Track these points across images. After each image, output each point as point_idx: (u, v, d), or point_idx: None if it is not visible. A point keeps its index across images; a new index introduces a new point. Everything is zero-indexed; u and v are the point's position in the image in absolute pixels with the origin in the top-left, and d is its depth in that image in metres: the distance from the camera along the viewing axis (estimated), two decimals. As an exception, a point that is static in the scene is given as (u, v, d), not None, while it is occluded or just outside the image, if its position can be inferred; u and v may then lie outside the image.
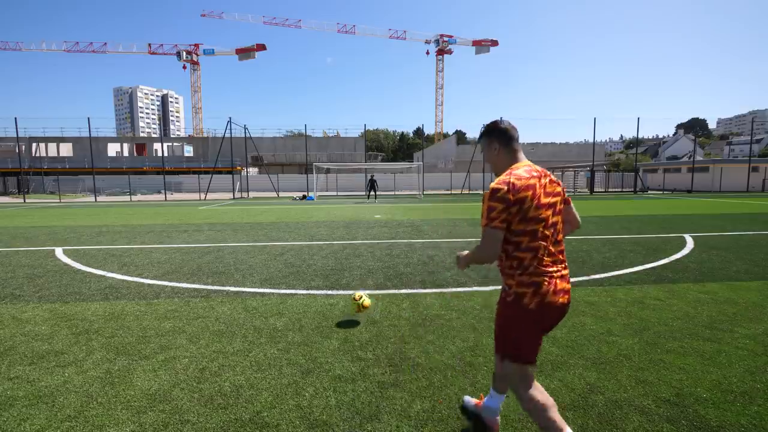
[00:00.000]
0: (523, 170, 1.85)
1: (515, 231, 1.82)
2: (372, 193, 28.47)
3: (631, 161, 50.69)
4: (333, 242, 8.79)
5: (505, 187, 1.77)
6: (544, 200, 1.83)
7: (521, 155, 1.95)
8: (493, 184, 1.81)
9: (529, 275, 1.83)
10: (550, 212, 1.86)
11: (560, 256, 1.91)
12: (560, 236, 1.93)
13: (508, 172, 1.86)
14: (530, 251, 1.83)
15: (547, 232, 1.84)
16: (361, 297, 3.90)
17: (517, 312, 1.86)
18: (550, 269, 1.84)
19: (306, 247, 8.12)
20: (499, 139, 1.95)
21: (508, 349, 1.96)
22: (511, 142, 1.94)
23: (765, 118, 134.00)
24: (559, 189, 1.94)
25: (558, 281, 1.85)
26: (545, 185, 1.87)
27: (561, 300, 1.85)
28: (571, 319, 3.92)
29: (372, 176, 29.87)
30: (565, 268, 1.92)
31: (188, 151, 56.04)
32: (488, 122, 1.97)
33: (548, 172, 1.95)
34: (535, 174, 1.86)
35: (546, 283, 1.82)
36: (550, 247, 1.86)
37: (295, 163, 50.93)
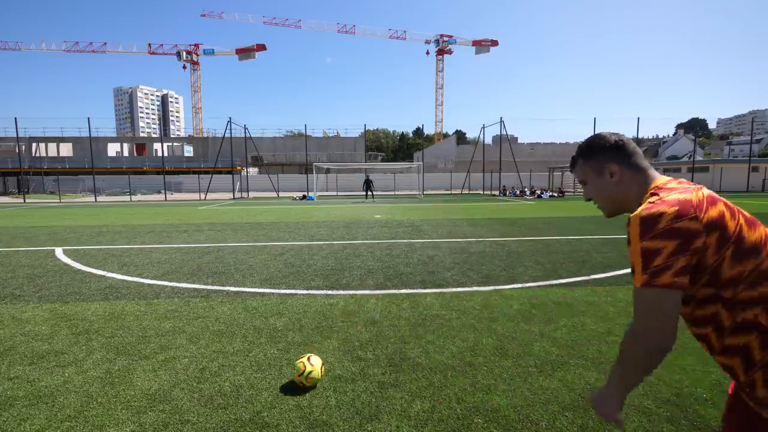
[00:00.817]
0: (666, 193, 1.10)
1: (727, 279, 1.03)
2: (368, 192, 28.62)
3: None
4: (333, 242, 8.80)
5: (673, 213, 1.01)
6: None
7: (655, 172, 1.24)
8: (642, 212, 1.05)
9: None
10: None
11: None
12: None
13: (653, 199, 1.10)
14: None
15: None
16: (308, 371, 2.69)
17: None
18: None
19: (306, 247, 8.12)
20: (615, 158, 1.23)
21: None
22: (634, 157, 1.23)
23: (765, 118, 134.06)
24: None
25: None
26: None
27: None
28: (571, 319, 3.92)
29: (368, 176, 29.95)
30: None
31: (188, 151, 56.05)
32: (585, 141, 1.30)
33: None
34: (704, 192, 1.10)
35: None
36: None
37: (295, 163, 50.94)
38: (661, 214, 1.01)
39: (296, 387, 2.73)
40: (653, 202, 1.07)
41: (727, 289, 1.04)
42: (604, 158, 1.24)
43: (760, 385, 1.03)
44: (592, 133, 1.26)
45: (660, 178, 1.20)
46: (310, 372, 2.70)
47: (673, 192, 1.08)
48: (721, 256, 1.01)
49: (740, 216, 1.06)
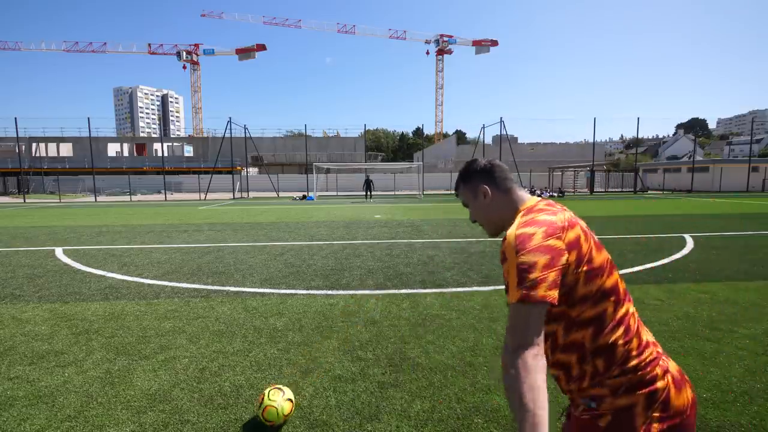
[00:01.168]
0: (537, 213, 1.19)
1: (579, 297, 1.11)
2: (368, 192, 28.79)
3: (631, 161, 50.73)
4: (333, 242, 8.79)
5: (542, 232, 1.09)
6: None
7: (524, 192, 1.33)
8: (517, 230, 1.12)
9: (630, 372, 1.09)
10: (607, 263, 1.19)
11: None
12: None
13: (524, 219, 1.18)
14: (618, 328, 1.12)
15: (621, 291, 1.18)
16: (264, 405, 2.25)
17: None
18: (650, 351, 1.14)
19: (306, 247, 8.12)
20: (485, 180, 1.33)
21: None
22: (505, 181, 1.32)
23: (765, 118, 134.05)
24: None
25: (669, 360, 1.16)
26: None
27: (688, 396, 1.12)
28: (571, 319, 3.92)
29: (368, 176, 30.07)
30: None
31: (188, 151, 56.04)
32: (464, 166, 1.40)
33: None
34: (567, 214, 1.21)
35: (659, 374, 1.10)
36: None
37: (295, 163, 50.93)
38: (533, 233, 1.09)
39: (296, 387, 2.73)
40: (525, 222, 1.15)
41: (576, 307, 1.12)
42: (477, 181, 1.34)
43: (576, 393, 1.18)
44: (474, 162, 1.38)
45: (530, 200, 1.29)
46: (266, 407, 2.22)
47: (541, 213, 1.18)
48: (577, 275, 1.10)
49: (591, 239, 1.17)
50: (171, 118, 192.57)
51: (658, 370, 1.10)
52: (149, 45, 79.62)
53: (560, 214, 1.17)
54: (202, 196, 33.12)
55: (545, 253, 1.05)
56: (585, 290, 1.11)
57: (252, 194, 37.12)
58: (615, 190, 40.64)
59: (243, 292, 5.01)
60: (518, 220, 1.18)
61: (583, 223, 1.20)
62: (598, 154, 47.33)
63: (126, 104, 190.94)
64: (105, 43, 78.48)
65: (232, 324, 3.91)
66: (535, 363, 0.96)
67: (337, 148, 53.78)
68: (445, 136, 77.27)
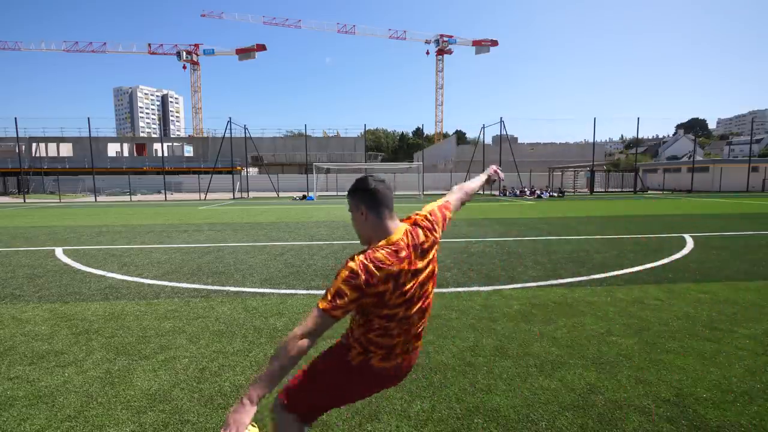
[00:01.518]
0: (387, 251, 1.48)
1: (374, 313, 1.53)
2: None
3: (631, 161, 50.72)
4: (333, 242, 8.79)
5: (362, 276, 1.41)
6: (408, 287, 1.51)
7: (393, 222, 1.59)
8: (360, 260, 1.43)
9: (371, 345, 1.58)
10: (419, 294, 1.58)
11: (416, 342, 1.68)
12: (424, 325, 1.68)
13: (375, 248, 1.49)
14: (385, 337, 1.56)
15: (410, 324, 1.59)
16: None
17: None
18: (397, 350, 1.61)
19: (306, 247, 8.12)
20: (365, 201, 1.55)
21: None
22: (381, 206, 1.55)
23: (765, 118, 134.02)
24: (433, 237, 1.73)
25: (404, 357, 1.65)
26: (411, 256, 1.53)
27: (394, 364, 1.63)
28: (571, 319, 3.93)
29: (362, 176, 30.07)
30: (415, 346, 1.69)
31: (188, 151, 56.04)
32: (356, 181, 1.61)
33: (416, 227, 1.69)
34: (403, 254, 1.50)
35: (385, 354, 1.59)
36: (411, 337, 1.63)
37: (295, 163, 50.94)
38: (356, 272, 1.40)
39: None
40: (369, 253, 1.45)
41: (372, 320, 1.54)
42: (360, 198, 1.54)
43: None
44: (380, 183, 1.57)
45: (394, 234, 1.53)
46: None
47: (378, 251, 1.46)
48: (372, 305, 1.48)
49: (402, 287, 1.49)
50: (171, 118, 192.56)
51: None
52: (149, 45, 79.64)
53: (394, 257, 1.47)
54: (202, 196, 33.12)
55: (352, 289, 1.40)
56: (381, 314, 1.51)
57: (252, 194, 37.12)
58: (615, 190, 40.65)
59: (243, 292, 5.01)
60: (373, 247, 1.49)
61: (401, 270, 1.49)
62: (598, 154, 47.32)
63: (126, 104, 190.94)
64: (105, 43, 78.53)
65: (232, 324, 3.91)
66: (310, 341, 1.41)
67: (337, 148, 53.78)
68: (445, 136, 77.25)
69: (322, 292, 4.98)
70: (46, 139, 52.65)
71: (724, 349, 3.25)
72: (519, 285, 5.17)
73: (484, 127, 37.57)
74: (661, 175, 43.13)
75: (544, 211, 16.58)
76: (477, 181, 2.11)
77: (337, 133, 61.14)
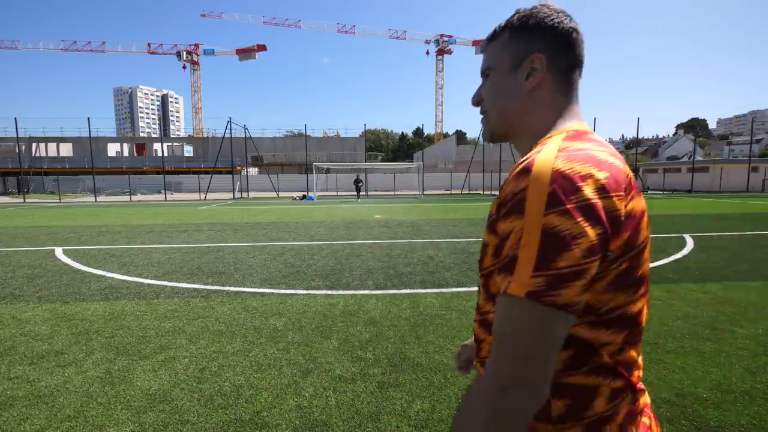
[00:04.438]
0: (597, 147, 0.70)
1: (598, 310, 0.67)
2: (359, 193, 29.02)
3: (631, 161, 50.69)
4: (333, 242, 8.79)
5: (606, 174, 0.63)
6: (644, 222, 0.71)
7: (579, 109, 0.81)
8: (555, 160, 0.64)
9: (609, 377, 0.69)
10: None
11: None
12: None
13: (576, 134, 0.73)
14: (622, 330, 0.69)
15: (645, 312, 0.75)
16: None
17: None
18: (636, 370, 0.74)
19: (306, 247, 8.12)
20: (550, 51, 0.77)
21: None
22: (577, 66, 0.79)
23: (765, 118, 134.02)
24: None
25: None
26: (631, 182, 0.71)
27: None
28: (571, 319, 3.92)
29: (357, 176, 30.23)
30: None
31: (188, 151, 56.04)
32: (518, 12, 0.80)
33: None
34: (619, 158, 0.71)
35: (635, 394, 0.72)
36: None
37: (295, 163, 50.93)
38: (587, 176, 0.62)
39: (296, 387, 2.73)
40: (575, 152, 0.65)
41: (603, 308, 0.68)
42: (534, 43, 0.77)
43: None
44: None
45: (583, 123, 0.78)
46: None
47: (602, 148, 0.69)
48: (615, 269, 0.66)
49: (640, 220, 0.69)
50: (171, 118, 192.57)
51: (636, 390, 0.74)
52: (149, 45, 79.65)
53: (624, 163, 0.70)
54: (202, 196, 33.12)
55: (598, 223, 0.60)
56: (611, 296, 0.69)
57: (252, 194, 37.11)
58: (615, 190, 40.52)
59: (243, 292, 5.01)
60: (555, 143, 0.69)
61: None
62: (598, 154, 47.16)
63: (126, 104, 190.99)
64: (104, 43, 78.54)
65: (232, 324, 3.91)
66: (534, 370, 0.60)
67: (337, 148, 53.77)
68: (445, 136, 77.28)
69: (323, 292, 4.98)
70: (46, 139, 52.65)
71: (724, 349, 3.24)
72: (519, 285, 5.16)
73: (484, 127, 37.47)
74: (661, 175, 43.13)
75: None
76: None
77: (337, 133, 61.17)
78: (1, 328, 3.87)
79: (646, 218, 0.70)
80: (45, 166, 46.98)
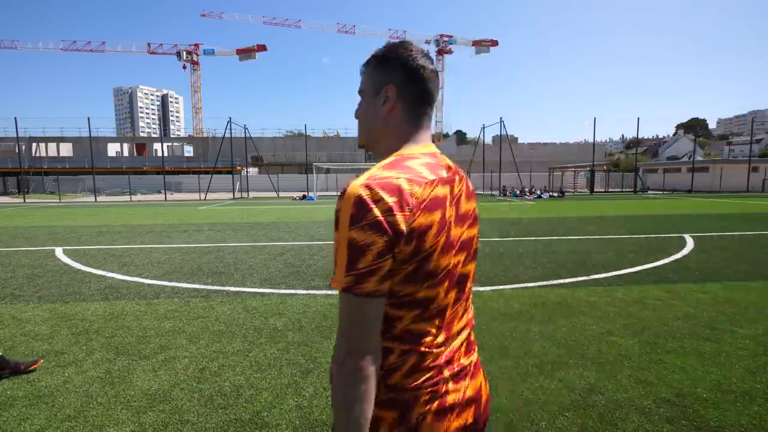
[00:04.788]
0: (421, 164, 0.87)
1: (396, 294, 0.84)
2: None
3: (631, 161, 50.69)
4: (333, 242, 8.78)
5: (393, 199, 0.79)
6: (455, 232, 0.89)
7: (428, 133, 0.97)
8: (359, 188, 0.80)
9: (400, 379, 0.86)
10: (461, 257, 0.92)
11: (464, 333, 0.97)
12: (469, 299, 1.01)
13: (394, 161, 0.88)
14: (411, 338, 0.86)
15: (449, 298, 0.90)
16: None
17: None
18: (444, 368, 0.89)
19: (306, 247, 8.12)
20: (399, 83, 0.92)
21: None
22: (423, 98, 0.94)
23: (765, 118, 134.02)
24: (474, 204, 1.02)
25: (452, 384, 0.89)
26: (459, 198, 0.92)
27: (456, 423, 0.88)
28: (571, 319, 3.92)
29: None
30: (470, 349, 0.97)
31: (188, 151, 56.05)
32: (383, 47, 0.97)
33: (460, 170, 0.99)
34: (444, 174, 0.89)
35: (432, 393, 0.86)
36: (452, 325, 0.92)
37: (295, 163, 50.93)
38: (378, 200, 0.78)
39: (296, 387, 2.73)
40: (380, 176, 0.82)
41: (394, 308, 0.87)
42: (389, 75, 0.92)
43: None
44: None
45: (424, 146, 0.94)
46: None
47: (407, 174, 0.83)
48: (403, 269, 0.82)
49: (447, 235, 0.86)
50: (171, 118, 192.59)
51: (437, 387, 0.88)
52: (149, 45, 79.52)
53: (430, 183, 0.85)
54: (202, 196, 33.12)
55: (375, 233, 0.78)
56: (403, 289, 0.86)
57: (252, 194, 37.12)
58: (615, 190, 40.63)
59: (243, 292, 5.01)
60: (372, 171, 0.85)
61: (457, 189, 0.92)
62: (598, 154, 47.33)
63: (126, 104, 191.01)
64: (104, 43, 78.36)
65: (232, 324, 3.91)
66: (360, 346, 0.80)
67: (337, 148, 53.77)
68: (445, 136, 77.29)
69: (323, 292, 4.98)
70: (46, 139, 52.67)
71: (724, 349, 3.25)
72: (519, 285, 5.17)
73: (484, 127, 37.61)
74: (661, 175, 43.13)
75: (544, 211, 16.58)
76: None
77: (337, 133, 61.13)
78: (1, 328, 3.87)
79: (447, 223, 0.86)
80: (45, 166, 46.99)
